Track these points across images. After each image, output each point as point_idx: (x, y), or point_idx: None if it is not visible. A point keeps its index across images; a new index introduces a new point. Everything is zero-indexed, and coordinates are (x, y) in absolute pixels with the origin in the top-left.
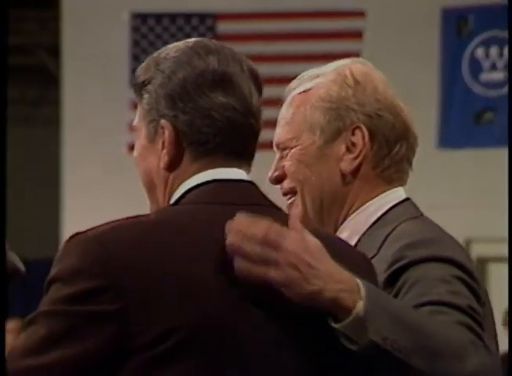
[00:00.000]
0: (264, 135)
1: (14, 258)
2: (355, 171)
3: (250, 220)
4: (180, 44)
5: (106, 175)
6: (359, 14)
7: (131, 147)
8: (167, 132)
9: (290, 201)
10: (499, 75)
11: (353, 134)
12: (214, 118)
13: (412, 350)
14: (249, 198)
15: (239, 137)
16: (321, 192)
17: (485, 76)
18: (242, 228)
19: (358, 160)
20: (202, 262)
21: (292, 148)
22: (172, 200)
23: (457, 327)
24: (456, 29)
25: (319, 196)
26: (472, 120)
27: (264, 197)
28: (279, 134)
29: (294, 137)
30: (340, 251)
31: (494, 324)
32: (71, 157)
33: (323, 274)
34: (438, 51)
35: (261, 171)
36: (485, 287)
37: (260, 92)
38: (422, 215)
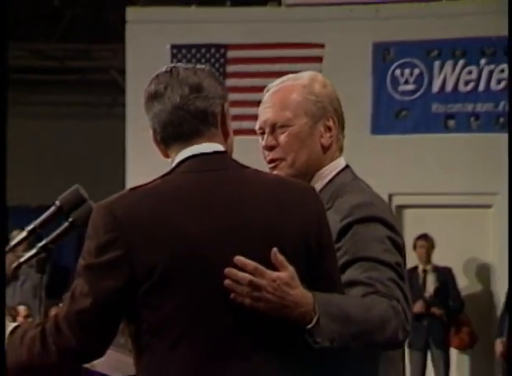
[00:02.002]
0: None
1: (91, 202)
2: (329, 146)
3: (242, 263)
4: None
5: (154, 152)
6: (320, 46)
7: None
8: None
9: (272, 166)
10: (410, 86)
11: (328, 120)
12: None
13: (349, 339)
14: (219, 164)
15: (198, 121)
16: (308, 158)
17: (401, 87)
18: (233, 273)
19: (332, 139)
20: (182, 215)
21: (290, 126)
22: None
23: (380, 301)
24: (382, 57)
25: (306, 161)
26: (393, 116)
27: (231, 160)
28: (274, 116)
29: (292, 118)
30: (292, 189)
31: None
32: (133, 142)
33: (291, 303)
34: (371, 71)
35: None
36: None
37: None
38: (357, 177)
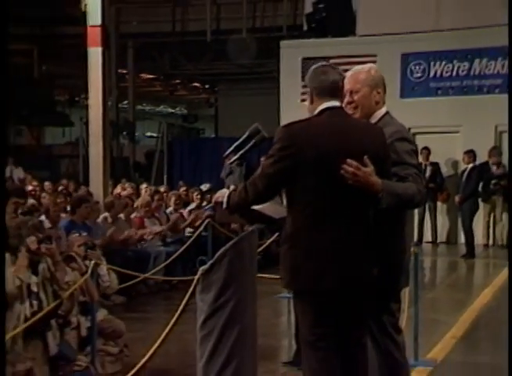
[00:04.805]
0: None
1: (264, 133)
2: (378, 102)
3: (349, 163)
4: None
5: (294, 105)
6: (374, 55)
7: (303, 99)
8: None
9: (351, 112)
10: (419, 74)
11: (378, 88)
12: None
13: (395, 204)
14: (342, 113)
15: (338, 90)
16: (368, 108)
17: (414, 75)
18: (346, 167)
19: (380, 98)
20: (323, 136)
21: (359, 92)
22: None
23: (412, 185)
24: (406, 60)
25: (367, 109)
26: (410, 89)
27: (346, 113)
28: (352, 87)
29: (361, 88)
30: (372, 128)
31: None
32: (283, 107)
33: (371, 183)
34: (399, 67)
35: None
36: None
37: (342, 78)
38: (392, 117)
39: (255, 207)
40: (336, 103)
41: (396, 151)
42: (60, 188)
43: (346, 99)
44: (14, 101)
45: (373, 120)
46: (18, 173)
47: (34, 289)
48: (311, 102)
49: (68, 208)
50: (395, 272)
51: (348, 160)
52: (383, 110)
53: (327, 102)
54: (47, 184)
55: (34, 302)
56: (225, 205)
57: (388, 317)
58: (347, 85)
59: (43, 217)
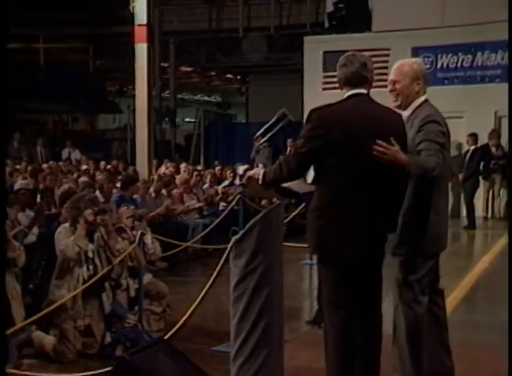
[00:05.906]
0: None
1: (290, 117)
2: (418, 91)
3: (380, 144)
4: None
5: (316, 93)
6: (387, 49)
7: (324, 88)
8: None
9: (393, 99)
10: (428, 66)
11: (418, 80)
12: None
13: (420, 172)
14: (366, 99)
15: (361, 78)
16: (407, 97)
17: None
18: (378, 148)
19: (419, 89)
20: (350, 118)
21: (400, 82)
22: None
23: (433, 158)
24: (416, 53)
25: (406, 98)
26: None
27: (371, 98)
28: (395, 77)
29: (403, 79)
30: (392, 113)
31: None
32: (306, 95)
33: (398, 159)
34: None
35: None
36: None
37: (368, 67)
38: (430, 105)
39: (283, 184)
40: (361, 90)
41: (425, 130)
42: (108, 167)
43: (389, 88)
44: (72, 92)
45: (413, 106)
46: (76, 155)
47: (90, 255)
48: (341, 89)
49: (118, 185)
50: (422, 239)
51: (378, 142)
52: (422, 98)
53: (353, 89)
54: (102, 164)
55: (90, 267)
56: (260, 181)
57: (414, 277)
58: (391, 76)
59: (97, 192)
